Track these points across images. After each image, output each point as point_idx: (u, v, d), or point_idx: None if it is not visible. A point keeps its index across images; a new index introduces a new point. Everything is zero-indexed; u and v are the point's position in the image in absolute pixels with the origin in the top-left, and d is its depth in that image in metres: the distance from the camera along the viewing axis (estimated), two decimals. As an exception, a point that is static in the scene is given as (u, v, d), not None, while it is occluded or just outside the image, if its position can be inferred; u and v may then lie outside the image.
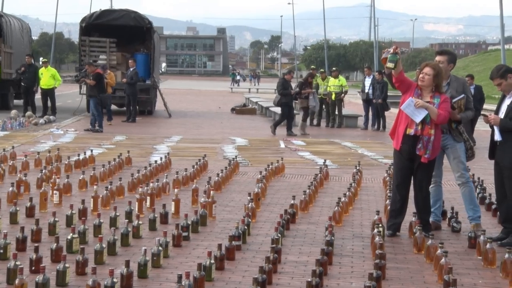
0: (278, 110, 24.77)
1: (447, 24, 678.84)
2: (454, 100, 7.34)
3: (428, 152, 7.07)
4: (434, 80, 7.16)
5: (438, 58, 7.58)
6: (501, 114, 7.00)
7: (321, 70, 25.90)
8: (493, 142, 7.13)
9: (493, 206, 8.46)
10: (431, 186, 7.64)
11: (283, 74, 20.36)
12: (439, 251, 5.88)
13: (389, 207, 7.62)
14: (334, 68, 23.99)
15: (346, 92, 22.54)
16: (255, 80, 77.96)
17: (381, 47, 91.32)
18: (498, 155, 7.08)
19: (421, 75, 7.20)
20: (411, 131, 7.10)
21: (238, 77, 75.90)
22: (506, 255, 5.85)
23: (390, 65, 7.04)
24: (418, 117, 7.03)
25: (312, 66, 26.85)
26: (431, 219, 7.53)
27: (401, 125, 7.20)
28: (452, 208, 7.89)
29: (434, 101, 7.12)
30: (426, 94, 7.16)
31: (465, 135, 7.54)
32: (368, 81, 21.71)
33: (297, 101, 20.80)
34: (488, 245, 6.25)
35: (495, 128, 7.01)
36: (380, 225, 6.80)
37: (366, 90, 21.57)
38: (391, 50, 7.09)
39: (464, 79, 8.09)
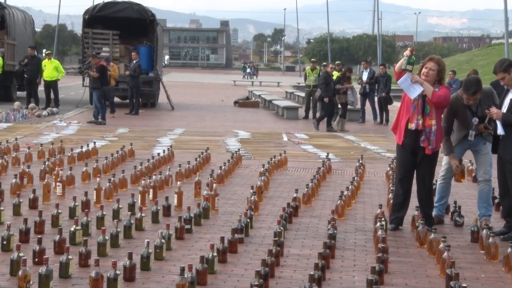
0: (280, 103, 24.85)
1: (451, 17, 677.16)
2: (486, 121, 7.21)
3: (431, 143, 7.09)
4: (438, 75, 7.16)
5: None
6: (504, 109, 6.98)
7: (324, 63, 25.85)
8: (495, 136, 7.12)
9: (496, 201, 8.45)
10: (440, 181, 7.65)
11: (324, 67, 19.62)
12: (441, 245, 5.88)
13: (391, 201, 7.62)
14: (337, 62, 23.93)
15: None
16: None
17: (385, 40, 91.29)
18: (500, 149, 7.06)
19: (424, 70, 7.18)
20: (412, 126, 7.10)
21: (248, 70, 75.50)
22: (509, 249, 5.85)
23: (409, 67, 7.04)
24: (414, 93, 7.04)
25: (312, 59, 26.74)
26: (434, 213, 7.54)
27: (403, 120, 7.20)
28: (455, 202, 7.88)
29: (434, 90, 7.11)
30: None
31: None
32: (365, 75, 21.75)
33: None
34: (490, 239, 6.26)
35: (498, 122, 7.00)
36: (383, 218, 6.81)
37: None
38: (408, 53, 7.06)
39: (489, 88, 7.54)
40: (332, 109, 18.59)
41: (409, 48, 7.20)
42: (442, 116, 7.39)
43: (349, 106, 19.62)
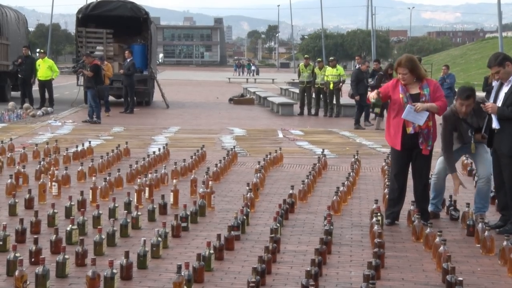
0: (275, 100, 24.83)
1: (445, 12, 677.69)
2: (483, 130, 7.25)
3: (430, 143, 7.15)
4: (412, 75, 7.19)
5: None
6: (499, 102, 7.00)
7: (318, 59, 25.85)
8: (491, 130, 7.14)
9: (492, 194, 8.46)
10: (434, 179, 7.68)
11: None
12: (437, 239, 5.90)
13: (387, 196, 7.63)
14: (331, 58, 23.93)
15: (344, 81, 22.50)
16: (239, 70, 76.54)
17: (379, 36, 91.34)
18: (496, 143, 7.08)
19: (399, 76, 7.28)
20: (410, 130, 7.14)
21: (253, 68, 75.21)
22: (504, 243, 5.87)
23: (377, 110, 7.17)
24: (421, 120, 7.11)
25: (305, 56, 26.72)
26: (430, 209, 7.56)
27: (396, 126, 7.20)
28: (450, 197, 7.89)
29: (425, 92, 7.17)
30: (413, 87, 7.22)
31: None
32: None
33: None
34: (486, 233, 6.27)
35: (493, 116, 7.01)
36: (379, 214, 6.82)
37: None
38: (375, 95, 7.18)
39: (482, 97, 7.57)
40: (361, 106, 18.26)
41: (375, 91, 7.34)
42: (441, 134, 7.46)
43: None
